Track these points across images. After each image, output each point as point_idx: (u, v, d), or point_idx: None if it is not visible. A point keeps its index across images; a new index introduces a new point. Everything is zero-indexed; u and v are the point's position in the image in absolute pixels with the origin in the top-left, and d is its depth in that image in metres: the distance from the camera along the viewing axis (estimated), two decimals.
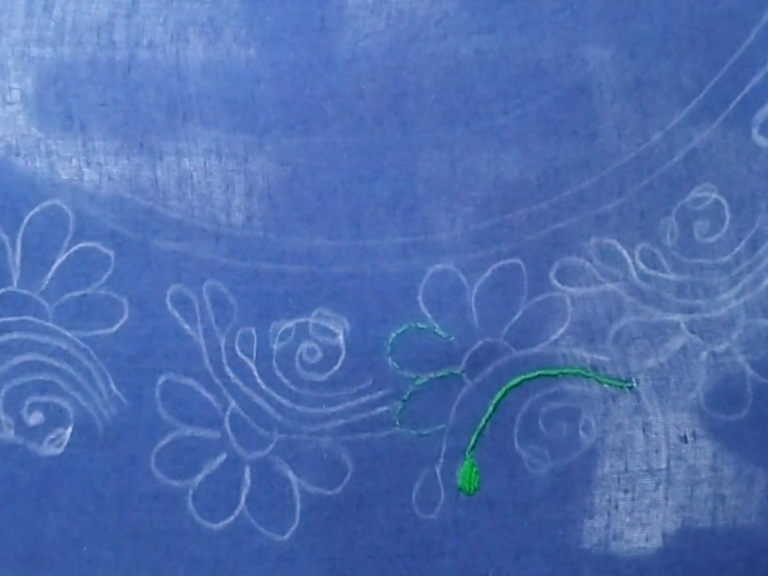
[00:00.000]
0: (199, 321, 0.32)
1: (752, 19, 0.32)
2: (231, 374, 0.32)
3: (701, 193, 0.33)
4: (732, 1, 0.32)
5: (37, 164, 0.32)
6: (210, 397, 0.32)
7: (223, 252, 0.32)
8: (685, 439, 0.33)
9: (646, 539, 0.33)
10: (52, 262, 0.32)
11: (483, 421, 0.33)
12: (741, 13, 0.32)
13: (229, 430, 0.32)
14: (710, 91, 0.32)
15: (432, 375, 0.33)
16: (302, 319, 0.33)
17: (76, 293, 0.32)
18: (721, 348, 0.33)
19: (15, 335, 0.32)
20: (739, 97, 0.32)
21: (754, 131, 0.32)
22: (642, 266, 0.33)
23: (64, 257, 0.32)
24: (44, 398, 0.32)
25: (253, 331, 0.32)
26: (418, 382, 0.33)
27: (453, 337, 0.33)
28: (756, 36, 0.32)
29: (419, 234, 0.33)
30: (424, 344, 0.33)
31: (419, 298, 0.33)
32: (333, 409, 0.33)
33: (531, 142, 0.32)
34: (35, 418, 0.32)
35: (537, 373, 0.33)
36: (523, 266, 0.33)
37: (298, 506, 0.33)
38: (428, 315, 0.33)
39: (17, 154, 0.32)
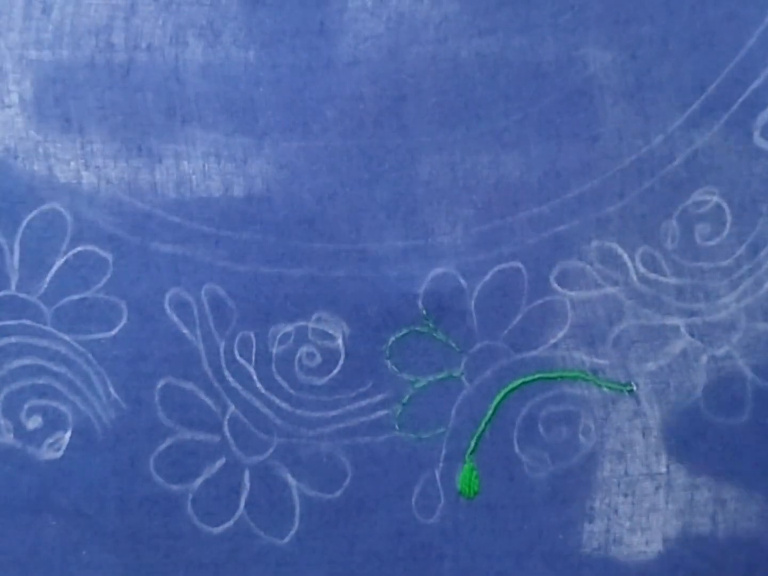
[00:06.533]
0: (198, 325, 0.32)
1: (754, 22, 0.32)
2: (230, 378, 0.32)
3: (702, 197, 0.32)
4: (733, 3, 0.32)
5: (36, 167, 0.32)
6: (209, 401, 0.32)
7: (222, 255, 0.32)
8: (685, 443, 0.33)
9: (647, 543, 0.33)
10: (51, 266, 0.32)
11: (483, 424, 0.33)
12: (742, 15, 0.32)
13: (228, 434, 0.32)
14: (711, 93, 0.32)
15: (431, 378, 0.33)
16: (301, 323, 0.32)
17: (75, 297, 0.32)
18: (721, 352, 0.32)
19: (13, 339, 0.32)
20: (740, 100, 0.32)
21: (756, 134, 0.32)
22: (642, 270, 0.32)
23: (62, 261, 0.32)
24: (43, 402, 0.32)
25: (252, 335, 0.32)
26: (417, 385, 0.33)
27: (452, 341, 0.32)
28: (757, 38, 0.32)
29: (419, 237, 0.32)
30: (423, 347, 0.33)
31: (419, 301, 0.32)
32: (332, 413, 0.33)
33: (532, 144, 0.32)
34: (34, 422, 0.32)
35: (536, 376, 0.33)
36: (524, 269, 0.32)
37: (298, 510, 0.32)
38: (428, 318, 0.32)
39: (15, 157, 0.32)
